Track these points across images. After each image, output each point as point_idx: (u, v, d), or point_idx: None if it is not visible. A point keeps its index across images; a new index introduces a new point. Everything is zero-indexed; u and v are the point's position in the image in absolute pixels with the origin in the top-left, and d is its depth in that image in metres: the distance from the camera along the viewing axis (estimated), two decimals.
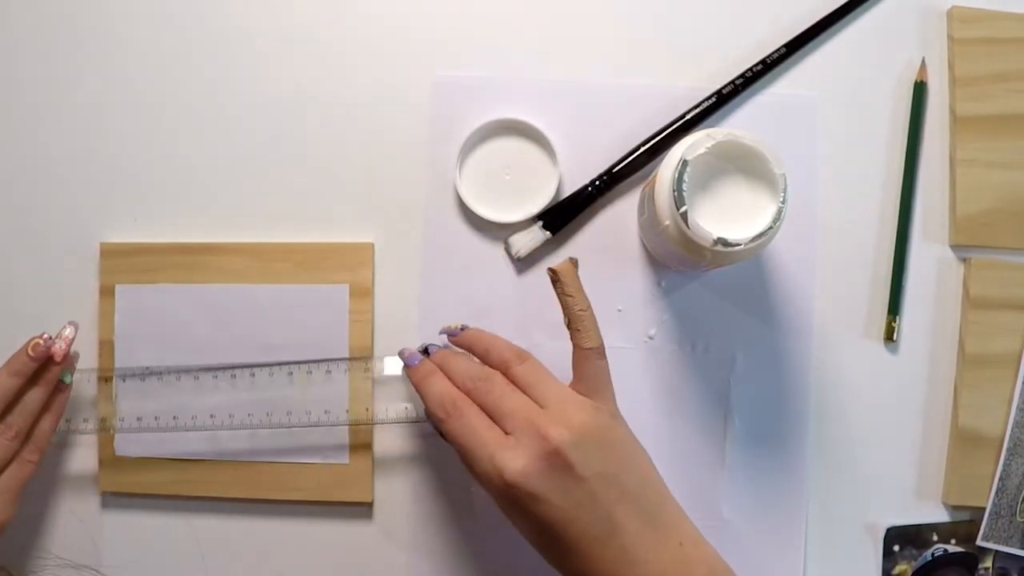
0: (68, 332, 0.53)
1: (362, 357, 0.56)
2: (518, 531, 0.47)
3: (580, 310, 0.48)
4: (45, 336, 0.52)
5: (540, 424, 0.45)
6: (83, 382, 0.56)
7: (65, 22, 0.58)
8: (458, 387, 0.49)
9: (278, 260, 0.56)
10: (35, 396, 0.53)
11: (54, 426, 0.54)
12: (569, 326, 0.49)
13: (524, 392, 0.47)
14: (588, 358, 0.48)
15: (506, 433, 0.46)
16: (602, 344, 0.49)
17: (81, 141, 0.58)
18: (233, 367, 0.56)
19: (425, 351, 0.53)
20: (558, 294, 0.49)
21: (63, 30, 0.58)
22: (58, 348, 0.53)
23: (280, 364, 0.56)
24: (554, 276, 0.48)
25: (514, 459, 0.44)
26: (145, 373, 0.56)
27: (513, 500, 0.44)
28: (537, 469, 0.44)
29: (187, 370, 0.56)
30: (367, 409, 0.55)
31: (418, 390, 0.50)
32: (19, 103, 0.58)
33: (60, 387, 0.54)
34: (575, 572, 0.45)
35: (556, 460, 0.44)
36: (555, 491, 0.44)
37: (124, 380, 0.56)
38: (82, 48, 0.58)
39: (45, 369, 0.53)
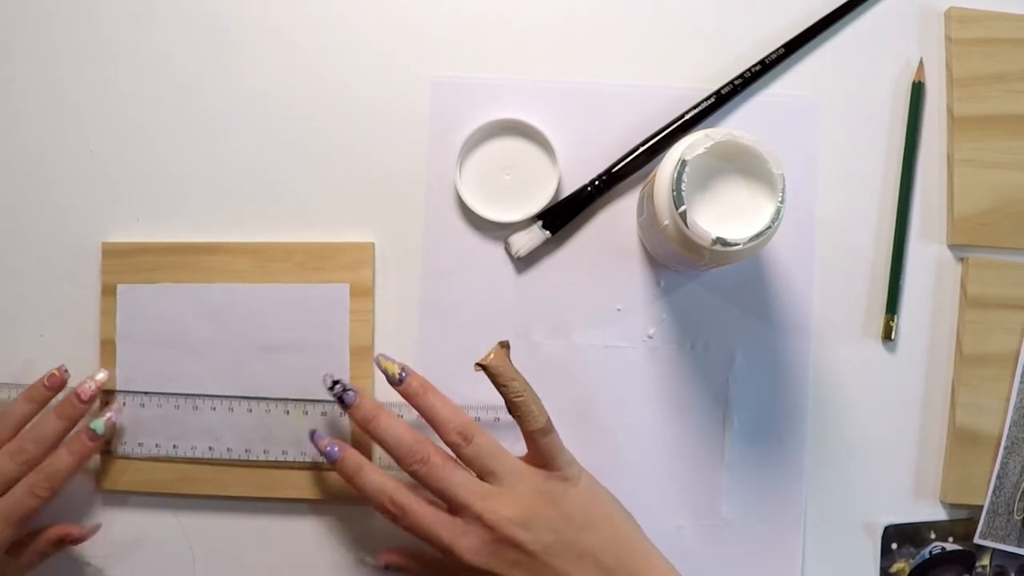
0: (100, 376, 0.54)
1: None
2: None
3: (517, 397, 0.49)
4: (62, 367, 0.54)
5: (483, 508, 0.47)
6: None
7: (67, 22, 0.58)
8: (394, 457, 0.50)
9: (279, 260, 0.57)
10: (50, 425, 0.52)
11: (72, 468, 0.52)
12: (511, 413, 0.50)
13: (476, 469, 0.49)
14: (535, 438, 0.50)
15: (453, 515, 0.48)
16: (547, 421, 0.50)
17: (83, 141, 0.58)
18: (232, 398, 0.56)
19: (340, 399, 0.52)
20: (494, 385, 0.50)
21: (65, 30, 0.58)
22: (86, 388, 0.53)
23: (277, 400, 0.56)
24: (485, 371, 0.49)
25: (467, 544, 0.47)
26: (146, 398, 0.56)
27: None
28: (489, 551, 0.47)
29: (187, 396, 0.56)
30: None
31: (353, 486, 0.51)
32: (21, 103, 0.58)
33: (90, 436, 0.53)
34: None
35: (506, 541, 0.47)
36: (510, 567, 0.47)
37: (124, 404, 0.56)
38: (84, 49, 0.58)
39: (71, 406, 0.53)
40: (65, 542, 0.54)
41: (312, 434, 0.53)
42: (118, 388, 0.56)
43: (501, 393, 0.49)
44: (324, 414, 0.56)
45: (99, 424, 0.53)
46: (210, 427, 0.56)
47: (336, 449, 0.52)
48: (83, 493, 0.57)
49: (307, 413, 0.56)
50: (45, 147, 0.58)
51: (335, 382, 0.52)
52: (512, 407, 0.49)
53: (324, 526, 0.57)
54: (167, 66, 0.58)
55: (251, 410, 0.56)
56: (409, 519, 0.49)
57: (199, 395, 0.56)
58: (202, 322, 0.56)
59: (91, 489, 0.57)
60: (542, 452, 0.50)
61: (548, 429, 0.50)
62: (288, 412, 0.56)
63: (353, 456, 0.52)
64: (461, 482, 0.49)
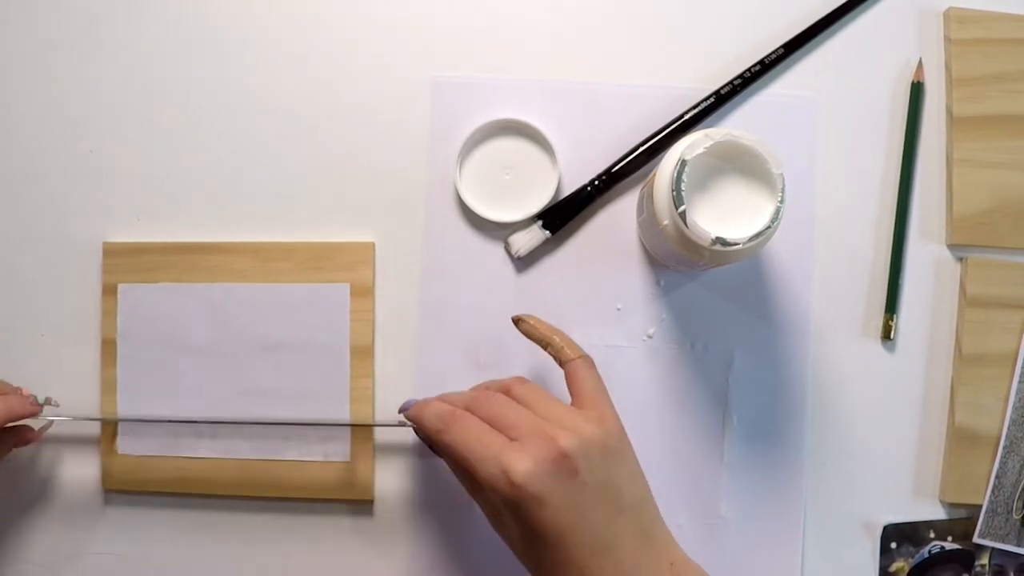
0: (51, 407, 0.55)
1: (362, 424, 0.56)
2: (510, 544, 0.46)
3: (549, 331, 0.50)
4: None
5: (547, 428, 0.44)
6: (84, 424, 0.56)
7: (66, 23, 0.58)
8: (463, 404, 0.47)
9: (279, 259, 0.57)
10: None
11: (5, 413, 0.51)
12: (547, 349, 0.50)
13: (531, 407, 0.46)
14: (576, 369, 0.48)
15: (511, 439, 0.44)
16: (586, 355, 0.49)
17: (84, 141, 0.58)
18: (231, 422, 0.56)
19: (403, 408, 0.51)
20: (525, 332, 0.51)
21: (63, 30, 0.58)
22: (37, 399, 0.54)
23: (277, 423, 0.56)
24: (517, 318, 0.52)
25: (521, 459, 0.42)
26: (143, 421, 0.56)
27: (516, 503, 0.43)
28: (544, 471, 0.42)
29: (187, 422, 0.56)
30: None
31: (416, 419, 0.48)
32: (21, 103, 0.58)
33: (31, 400, 0.53)
34: None
35: (563, 464, 0.43)
36: (560, 495, 0.43)
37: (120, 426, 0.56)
38: (83, 49, 0.58)
39: (18, 398, 0.53)
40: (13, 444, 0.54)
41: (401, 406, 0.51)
42: (119, 394, 0.57)
43: (534, 334, 0.51)
44: (325, 434, 0.56)
45: (41, 396, 0.54)
46: (214, 430, 0.56)
47: (410, 400, 0.50)
48: (85, 492, 0.57)
49: (306, 434, 0.56)
50: (45, 147, 0.58)
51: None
52: (548, 341, 0.50)
53: (326, 525, 0.57)
54: (166, 66, 0.58)
55: (251, 437, 0.56)
56: (464, 425, 0.45)
57: (200, 421, 0.56)
58: (203, 322, 0.57)
59: (93, 488, 0.57)
60: (587, 386, 0.47)
61: (590, 363, 0.48)
62: (287, 439, 0.56)
63: (422, 400, 0.49)
64: (524, 413, 0.45)
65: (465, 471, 0.47)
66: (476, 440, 0.44)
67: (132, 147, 0.58)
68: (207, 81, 0.58)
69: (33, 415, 0.53)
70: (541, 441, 0.43)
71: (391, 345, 0.57)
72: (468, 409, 0.46)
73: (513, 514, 0.44)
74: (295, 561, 0.57)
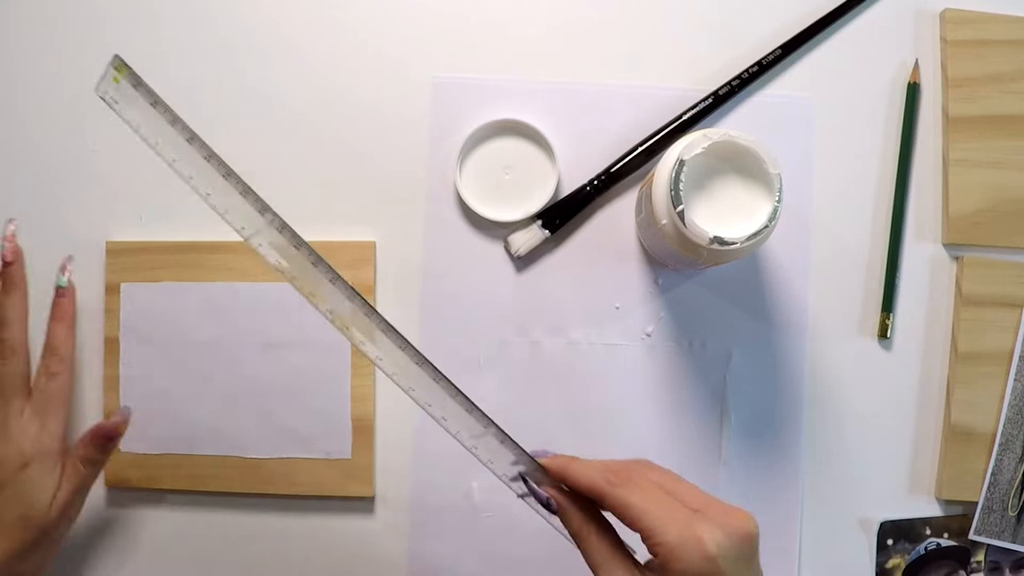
0: (10, 228, 0.53)
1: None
2: None
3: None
4: None
5: (727, 506, 0.41)
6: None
7: (68, 21, 0.59)
8: (610, 479, 0.42)
9: None
10: (3, 302, 0.52)
11: (66, 331, 0.53)
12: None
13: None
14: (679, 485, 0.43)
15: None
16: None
17: (86, 140, 0.58)
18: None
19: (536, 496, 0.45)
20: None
21: (66, 29, 0.58)
22: (6, 252, 0.53)
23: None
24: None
25: (712, 530, 0.39)
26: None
27: (697, 574, 0.39)
28: (734, 545, 0.40)
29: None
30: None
31: (565, 471, 0.43)
32: (23, 103, 0.58)
33: (60, 292, 0.54)
34: None
35: (750, 544, 0.40)
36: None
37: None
38: (86, 48, 0.58)
39: (8, 276, 0.53)
40: (102, 439, 0.52)
41: (525, 483, 0.45)
42: (122, 392, 0.57)
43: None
44: (326, 431, 0.57)
45: (62, 279, 0.54)
46: (216, 428, 0.57)
47: (545, 451, 0.45)
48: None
49: (307, 433, 0.57)
50: (49, 147, 0.58)
51: (524, 480, 0.45)
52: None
53: (327, 522, 0.58)
54: (168, 67, 0.58)
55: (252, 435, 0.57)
56: (637, 483, 0.41)
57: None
58: (205, 320, 0.57)
59: (95, 485, 0.58)
60: (697, 492, 0.43)
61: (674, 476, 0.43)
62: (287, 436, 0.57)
63: (559, 460, 0.44)
64: (689, 483, 0.42)
65: (603, 530, 0.43)
66: (657, 502, 0.41)
67: (135, 147, 0.58)
68: (209, 81, 0.58)
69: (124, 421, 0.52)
70: (727, 516, 0.40)
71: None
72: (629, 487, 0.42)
73: None
74: (296, 558, 0.57)
